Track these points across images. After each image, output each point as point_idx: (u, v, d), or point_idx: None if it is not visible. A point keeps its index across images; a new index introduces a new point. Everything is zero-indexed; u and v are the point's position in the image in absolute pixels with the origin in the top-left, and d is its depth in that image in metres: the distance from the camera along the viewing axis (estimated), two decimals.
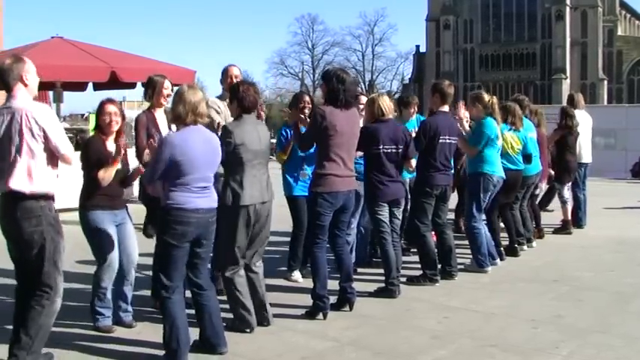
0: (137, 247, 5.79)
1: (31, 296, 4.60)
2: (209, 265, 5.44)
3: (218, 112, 6.52)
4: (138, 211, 6.17)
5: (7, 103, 4.57)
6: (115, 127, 5.60)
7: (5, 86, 4.59)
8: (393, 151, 6.72)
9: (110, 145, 5.60)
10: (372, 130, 6.71)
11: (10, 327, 4.78)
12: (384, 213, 6.78)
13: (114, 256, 5.54)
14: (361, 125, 6.75)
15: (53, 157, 4.60)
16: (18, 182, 4.49)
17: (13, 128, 4.47)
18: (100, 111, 5.61)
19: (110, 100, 5.68)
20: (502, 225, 8.75)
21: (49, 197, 4.62)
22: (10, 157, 4.50)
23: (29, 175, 4.50)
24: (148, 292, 6.30)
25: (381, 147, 6.64)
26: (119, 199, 5.65)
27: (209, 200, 4.88)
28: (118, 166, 5.48)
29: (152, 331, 5.45)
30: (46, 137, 4.50)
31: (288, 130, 7.07)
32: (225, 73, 6.84)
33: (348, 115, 6.01)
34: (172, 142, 4.73)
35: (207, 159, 4.87)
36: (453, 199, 8.69)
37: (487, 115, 7.85)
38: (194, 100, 4.82)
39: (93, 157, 5.49)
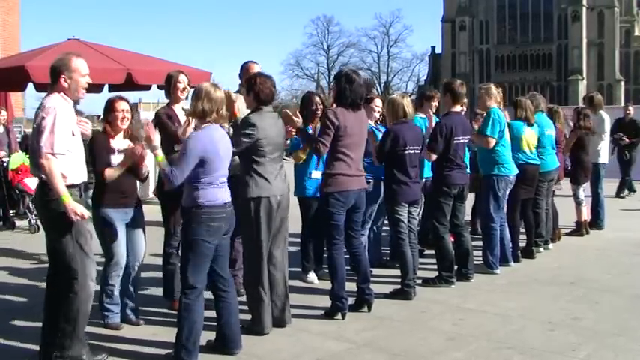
0: (144, 246, 5.82)
1: (61, 283, 4.69)
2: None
3: None
4: (153, 212, 6.17)
5: (43, 98, 4.80)
6: (126, 124, 5.66)
7: (51, 81, 4.81)
8: (417, 151, 6.74)
9: (118, 143, 5.64)
10: (397, 132, 6.70)
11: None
12: (404, 214, 6.78)
13: (121, 254, 5.59)
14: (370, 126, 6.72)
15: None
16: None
17: (37, 122, 4.65)
18: (111, 108, 5.64)
19: (121, 97, 5.73)
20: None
21: (74, 186, 4.74)
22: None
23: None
24: (160, 292, 6.34)
25: (407, 148, 6.64)
26: (131, 197, 5.70)
27: (228, 193, 4.97)
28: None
29: (167, 333, 5.46)
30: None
31: (306, 130, 7.00)
32: (246, 70, 6.71)
33: (358, 116, 6.00)
34: (202, 140, 4.75)
35: (226, 155, 4.94)
36: (469, 200, 8.64)
37: (496, 105, 7.86)
38: (219, 99, 4.88)
39: (96, 154, 5.55)
